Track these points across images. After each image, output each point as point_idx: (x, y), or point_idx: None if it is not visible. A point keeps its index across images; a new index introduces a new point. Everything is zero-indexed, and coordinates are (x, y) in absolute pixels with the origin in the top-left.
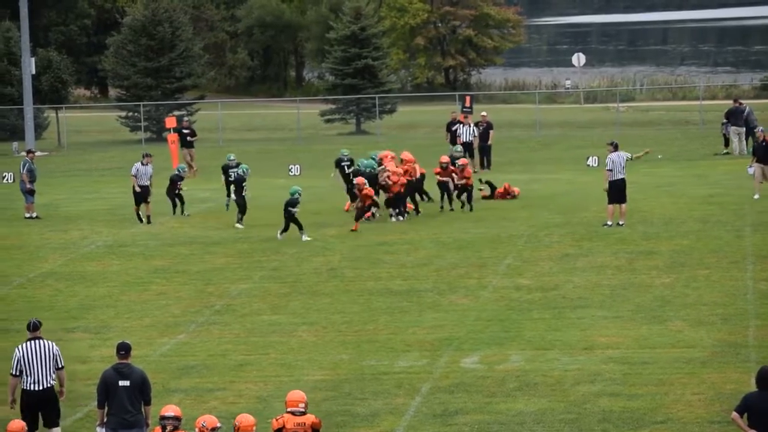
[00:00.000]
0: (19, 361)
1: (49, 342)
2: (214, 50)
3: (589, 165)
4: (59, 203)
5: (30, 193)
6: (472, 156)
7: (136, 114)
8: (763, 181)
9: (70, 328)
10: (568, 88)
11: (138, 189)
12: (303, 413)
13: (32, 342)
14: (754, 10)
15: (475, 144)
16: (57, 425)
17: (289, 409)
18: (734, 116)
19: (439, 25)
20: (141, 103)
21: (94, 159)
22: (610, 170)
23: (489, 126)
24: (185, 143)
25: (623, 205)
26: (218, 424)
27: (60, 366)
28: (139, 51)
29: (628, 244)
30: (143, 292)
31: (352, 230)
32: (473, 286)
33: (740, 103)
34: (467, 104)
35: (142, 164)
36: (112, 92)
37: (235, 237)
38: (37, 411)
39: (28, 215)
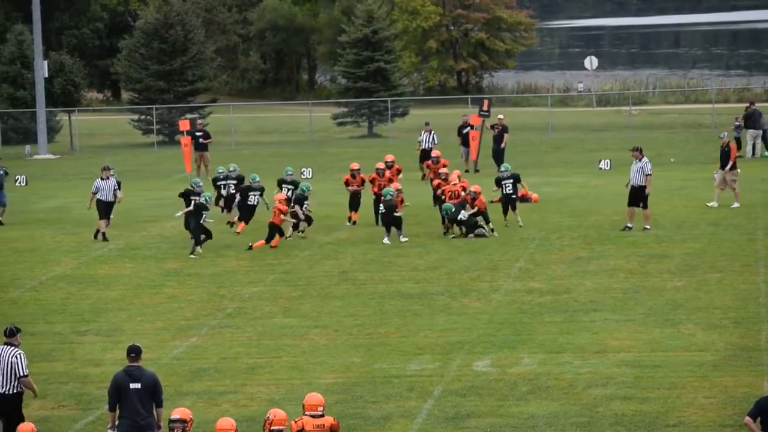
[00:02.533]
0: None
1: (14, 350)
2: (227, 53)
3: (601, 168)
4: (71, 206)
5: None
6: (422, 161)
7: (148, 117)
8: (724, 188)
9: (82, 331)
10: (580, 92)
11: (90, 205)
12: (322, 416)
13: (4, 347)
14: (767, 14)
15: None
16: None
17: (307, 413)
18: (751, 119)
19: (452, 28)
20: (153, 106)
21: (106, 162)
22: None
23: (504, 129)
24: (199, 146)
25: (646, 210)
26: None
27: (21, 375)
28: (152, 54)
29: (640, 247)
30: (155, 295)
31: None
32: (485, 289)
33: (756, 106)
34: (485, 108)
35: (102, 179)
36: (125, 95)
37: (247, 241)
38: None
39: None
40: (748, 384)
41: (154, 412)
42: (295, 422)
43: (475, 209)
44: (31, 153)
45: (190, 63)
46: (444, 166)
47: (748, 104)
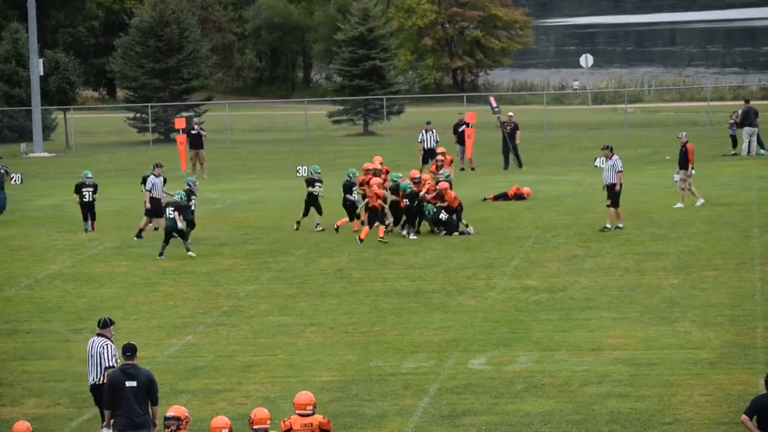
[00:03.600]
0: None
1: (104, 341)
2: (222, 51)
3: (597, 166)
4: (67, 204)
5: None
6: (425, 162)
7: (143, 115)
8: (686, 188)
9: (77, 329)
10: (575, 90)
11: (148, 205)
12: (311, 415)
13: (95, 339)
14: (763, 11)
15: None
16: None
17: (297, 411)
18: (748, 117)
19: (447, 26)
20: (149, 104)
21: (101, 160)
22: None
23: (516, 127)
24: (194, 144)
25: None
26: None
27: (107, 365)
28: (147, 52)
29: (636, 245)
30: (151, 293)
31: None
32: (481, 288)
33: (751, 104)
34: (494, 105)
35: (155, 176)
36: (120, 93)
37: (243, 238)
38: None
39: None
40: (744, 382)
41: (150, 410)
42: (284, 422)
43: (446, 203)
44: (27, 151)
45: (186, 61)
46: (451, 162)
47: (744, 102)
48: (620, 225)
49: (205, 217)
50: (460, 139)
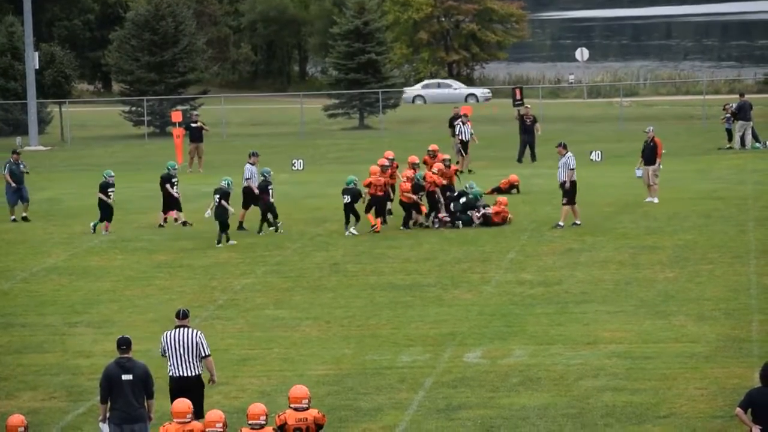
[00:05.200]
0: (164, 348)
1: (195, 330)
2: (218, 45)
3: (592, 160)
4: (62, 198)
5: (15, 194)
6: (466, 153)
7: (139, 109)
8: (653, 184)
9: (73, 323)
10: (571, 83)
11: (256, 192)
12: (305, 409)
13: (177, 330)
14: (758, 5)
15: (475, 140)
16: (199, 416)
17: (292, 405)
18: (743, 111)
19: (443, 19)
20: (144, 98)
21: (97, 154)
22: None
23: (534, 119)
24: (195, 138)
25: (567, 206)
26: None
27: (204, 354)
28: (143, 46)
29: (632, 239)
30: (147, 286)
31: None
32: (476, 281)
33: (746, 98)
34: (518, 97)
35: (251, 164)
36: (116, 87)
37: (238, 233)
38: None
39: (13, 217)
40: (739, 375)
41: (146, 403)
42: (279, 416)
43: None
44: (22, 145)
45: (181, 54)
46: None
47: (740, 95)
48: (577, 221)
49: (200, 211)
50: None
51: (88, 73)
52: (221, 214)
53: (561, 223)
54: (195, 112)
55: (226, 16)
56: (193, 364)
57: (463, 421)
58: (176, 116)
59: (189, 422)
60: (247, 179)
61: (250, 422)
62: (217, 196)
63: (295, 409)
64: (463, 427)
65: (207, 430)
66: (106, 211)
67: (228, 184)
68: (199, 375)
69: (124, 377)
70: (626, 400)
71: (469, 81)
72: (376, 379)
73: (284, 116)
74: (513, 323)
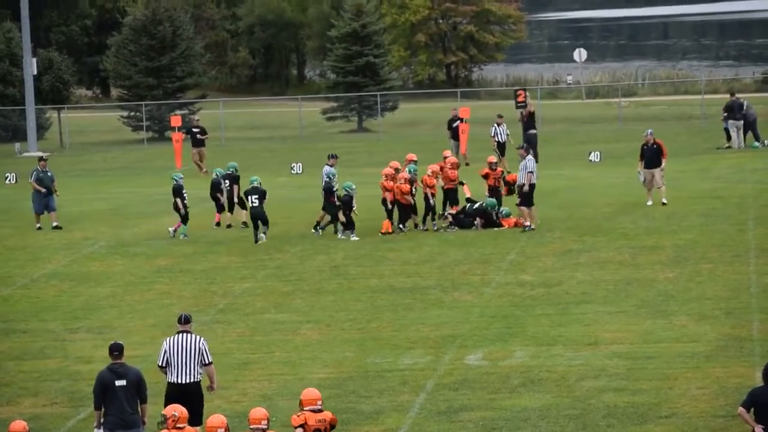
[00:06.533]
0: (165, 353)
1: (198, 337)
2: (216, 49)
3: (591, 160)
4: (62, 204)
5: (41, 202)
6: (503, 155)
7: (137, 114)
8: (653, 187)
9: (73, 329)
10: (569, 84)
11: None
12: (321, 410)
13: (180, 335)
14: (756, 4)
15: (512, 142)
16: (198, 423)
17: (307, 408)
18: (732, 110)
19: (440, 21)
20: (143, 102)
21: (96, 159)
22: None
23: (532, 114)
24: (196, 142)
25: (525, 209)
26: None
27: (207, 362)
28: (140, 50)
29: (631, 239)
30: (147, 291)
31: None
32: (476, 283)
33: (736, 97)
34: (521, 99)
35: (329, 165)
36: (114, 92)
37: (238, 236)
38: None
39: (38, 225)
40: (740, 375)
41: (139, 408)
42: (297, 416)
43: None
44: (21, 151)
45: (179, 59)
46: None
47: (730, 95)
48: (531, 225)
49: (200, 215)
50: (455, 134)
51: (86, 78)
52: (260, 214)
53: (528, 224)
54: (195, 117)
55: (223, 20)
56: (195, 370)
57: (465, 423)
58: (176, 121)
59: (183, 428)
60: (325, 180)
61: (251, 427)
62: (254, 196)
63: (313, 411)
64: (465, 429)
65: None
66: (186, 216)
67: (234, 169)
68: (199, 382)
69: (118, 383)
70: (628, 400)
71: (467, 83)
72: (378, 381)
73: (283, 120)
74: (514, 325)
